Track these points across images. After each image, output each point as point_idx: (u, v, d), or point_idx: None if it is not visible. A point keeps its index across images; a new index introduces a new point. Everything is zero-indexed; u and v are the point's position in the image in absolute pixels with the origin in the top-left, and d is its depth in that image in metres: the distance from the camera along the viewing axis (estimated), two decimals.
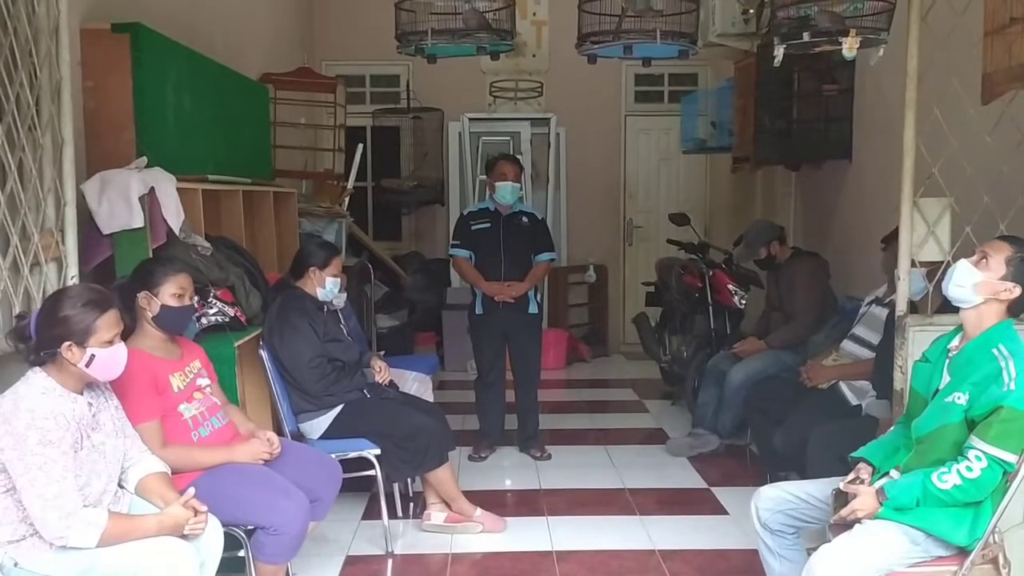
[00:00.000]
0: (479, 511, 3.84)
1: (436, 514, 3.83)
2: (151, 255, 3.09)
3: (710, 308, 5.41)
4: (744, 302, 5.32)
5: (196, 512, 2.46)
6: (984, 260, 2.45)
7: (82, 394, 2.39)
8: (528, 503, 4.25)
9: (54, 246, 2.84)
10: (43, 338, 2.33)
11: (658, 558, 3.56)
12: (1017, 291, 2.42)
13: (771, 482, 2.94)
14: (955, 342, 2.55)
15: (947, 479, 2.34)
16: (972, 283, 2.44)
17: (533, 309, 4.89)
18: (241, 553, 2.79)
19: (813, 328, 4.57)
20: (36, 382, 2.32)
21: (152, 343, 2.83)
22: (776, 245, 4.75)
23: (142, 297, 2.79)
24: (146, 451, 2.61)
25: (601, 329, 8.04)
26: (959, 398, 2.40)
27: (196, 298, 3.06)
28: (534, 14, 7.75)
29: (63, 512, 2.21)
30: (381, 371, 3.86)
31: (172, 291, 2.81)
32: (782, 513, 2.68)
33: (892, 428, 2.75)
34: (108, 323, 2.37)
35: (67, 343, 2.31)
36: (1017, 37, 2.64)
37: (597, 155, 7.94)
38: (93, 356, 2.33)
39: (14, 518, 2.27)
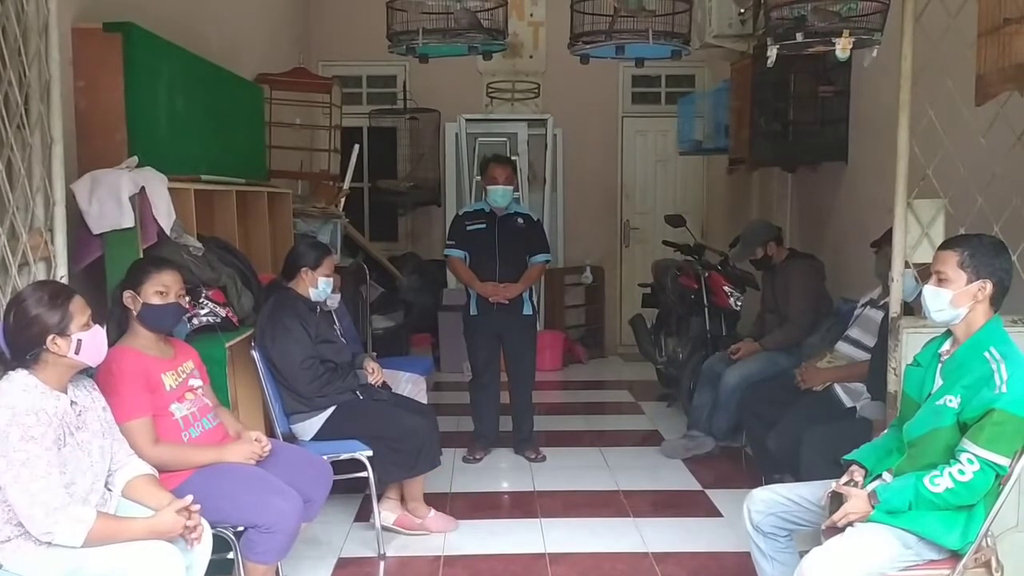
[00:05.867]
0: (433, 512, 3.84)
1: (386, 513, 3.78)
2: (141, 255, 3.08)
3: (706, 310, 5.39)
4: (740, 304, 5.31)
5: (190, 515, 2.44)
6: (941, 277, 2.45)
7: (65, 392, 2.38)
8: (522, 505, 4.23)
9: (43, 246, 2.82)
10: (22, 343, 2.32)
11: (651, 560, 3.55)
12: (989, 285, 2.42)
13: (765, 484, 2.93)
14: (946, 346, 2.54)
15: (939, 482, 2.33)
16: (948, 302, 2.44)
17: (528, 310, 4.87)
18: (230, 555, 2.77)
19: (808, 330, 4.55)
20: (17, 380, 2.31)
21: (144, 342, 2.82)
22: (773, 246, 4.73)
23: (127, 296, 2.78)
24: (133, 455, 2.60)
25: (597, 331, 8.03)
26: (951, 401, 2.39)
27: (187, 298, 3.04)
28: (531, 15, 7.74)
29: (49, 508, 2.21)
30: (373, 372, 3.85)
31: (155, 289, 2.78)
32: (774, 516, 2.68)
33: (886, 431, 2.74)
34: (79, 307, 2.38)
35: (50, 337, 2.31)
36: (1011, 38, 2.62)
37: (594, 156, 7.93)
38: (80, 341, 2.35)
39: None
